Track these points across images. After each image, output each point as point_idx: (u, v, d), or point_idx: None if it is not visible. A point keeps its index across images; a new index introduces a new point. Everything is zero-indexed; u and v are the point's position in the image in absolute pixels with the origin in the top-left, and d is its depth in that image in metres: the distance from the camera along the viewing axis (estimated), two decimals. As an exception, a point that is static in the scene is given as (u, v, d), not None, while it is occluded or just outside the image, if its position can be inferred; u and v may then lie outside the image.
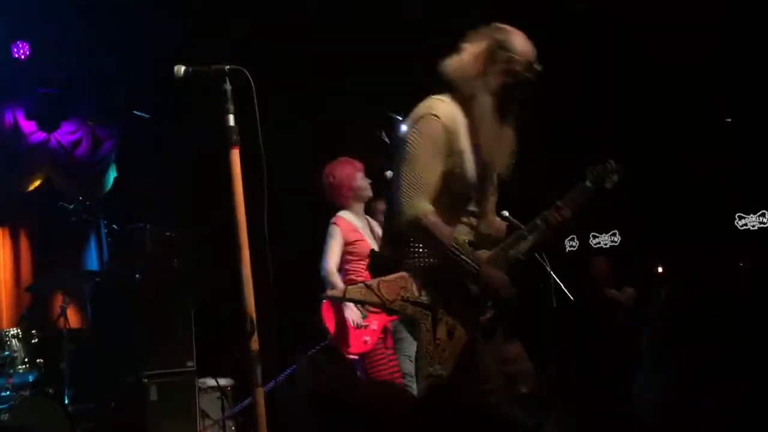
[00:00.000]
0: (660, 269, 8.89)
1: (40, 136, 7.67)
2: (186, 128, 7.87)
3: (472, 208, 3.61)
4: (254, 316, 3.00)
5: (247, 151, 3.11)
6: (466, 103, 3.51)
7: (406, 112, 8.75)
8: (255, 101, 3.08)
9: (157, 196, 8.40)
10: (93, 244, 8.46)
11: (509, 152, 3.61)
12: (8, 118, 7.43)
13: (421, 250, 3.48)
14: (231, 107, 3.13)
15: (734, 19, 8.25)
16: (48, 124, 7.75)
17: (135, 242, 7.14)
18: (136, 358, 6.79)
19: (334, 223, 5.41)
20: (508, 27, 3.56)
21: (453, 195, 3.50)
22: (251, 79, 3.08)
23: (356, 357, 5.25)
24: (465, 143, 3.50)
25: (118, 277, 6.95)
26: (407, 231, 3.44)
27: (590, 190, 3.73)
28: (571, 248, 10.03)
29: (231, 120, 3.13)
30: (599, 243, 10.15)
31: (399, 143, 3.58)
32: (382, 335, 5.21)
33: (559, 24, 7.74)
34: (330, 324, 5.23)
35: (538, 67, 3.54)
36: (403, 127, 3.71)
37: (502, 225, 3.80)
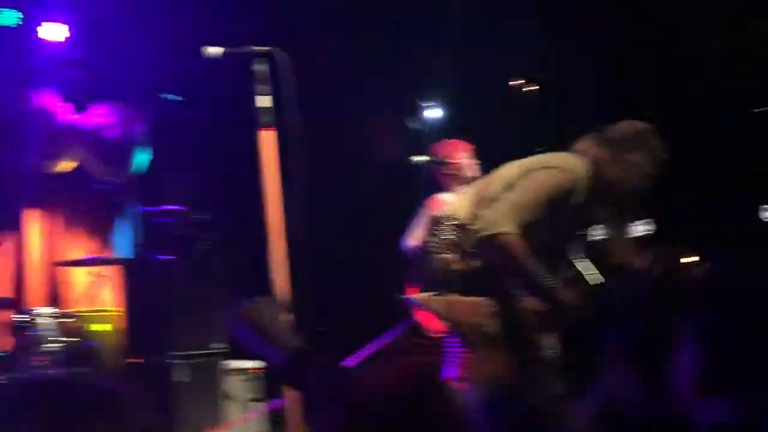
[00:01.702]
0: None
1: (71, 118, 7.72)
2: (218, 110, 7.89)
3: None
4: (287, 298, 3.01)
5: (283, 133, 3.11)
6: (598, 189, 3.69)
7: (432, 99, 8.75)
8: (290, 83, 3.07)
9: (188, 178, 8.44)
10: (123, 225, 8.51)
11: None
12: (39, 101, 7.48)
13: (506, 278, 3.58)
14: (263, 88, 3.14)
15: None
16: (78, 105, 7.80)
17: (166, 224, 7.19)
18: (164, 338, 6.85)
19: (424, 204, 5.43)
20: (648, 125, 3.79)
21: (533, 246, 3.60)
22: (285, 61, 3.09)
23: (440, 336, 5.35)
24: (569, 212, 3.69)
25: (148, 258, 7.00)
26: (486, 244, 3.51)
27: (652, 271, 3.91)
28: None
29: (263, 101, 3.14)
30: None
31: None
32: None
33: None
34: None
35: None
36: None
37: None
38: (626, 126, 3.77)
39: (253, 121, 3.15)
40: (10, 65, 7.06)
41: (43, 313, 6.11)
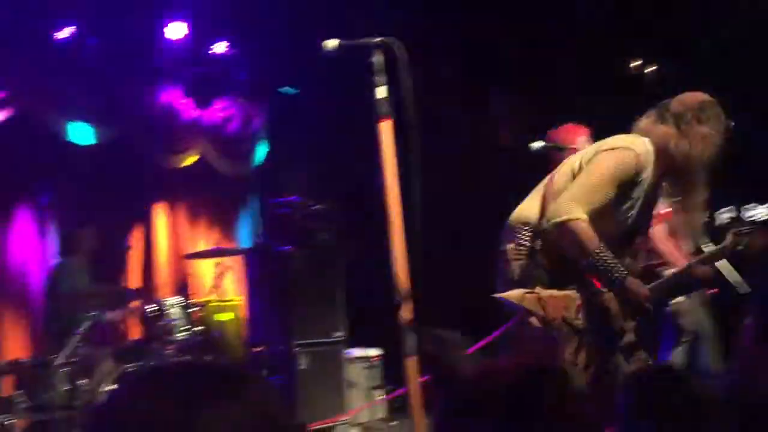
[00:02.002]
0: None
1: (194, 113, 7.95)
2: (335, 102, 7.98)
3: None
4: (406, 285, 3.03)
5: (400, 122, 3.12)
6: (667, 165, 3.60)
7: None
8: (405, 73, 3.08)
9: (305, 169, 8.58)
10: (245, 217, 8.74)
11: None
12: (164, 97, 7.72)
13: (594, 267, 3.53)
14: (381, 79, 3.15)
15: None
16: (201, 101, 8.03)
17: (285, 215, 7.33)
18: (287, 328, 6.99)
19: None
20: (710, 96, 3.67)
21: (605, 229, 3.54)
22: (402, 51, 3.09)
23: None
24: (640, 193, 3.60)
25: (269, 248, 7.15)
26: (554, 232, 3.48)
27: (727, 253, 3.92)
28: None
29: (380, 92, 3.15)
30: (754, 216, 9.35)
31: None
32: None
33: None
34: None
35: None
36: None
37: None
38: (689, 98, 3.64)
39: (371, 112, 3.16)
40: (137, 64, 7.31)
41: (172, 303, 6.32)
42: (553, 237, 3.49)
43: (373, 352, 7.50)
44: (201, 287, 7.62)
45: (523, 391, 1.41)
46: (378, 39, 3.14)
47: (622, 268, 3.47)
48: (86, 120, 7.01)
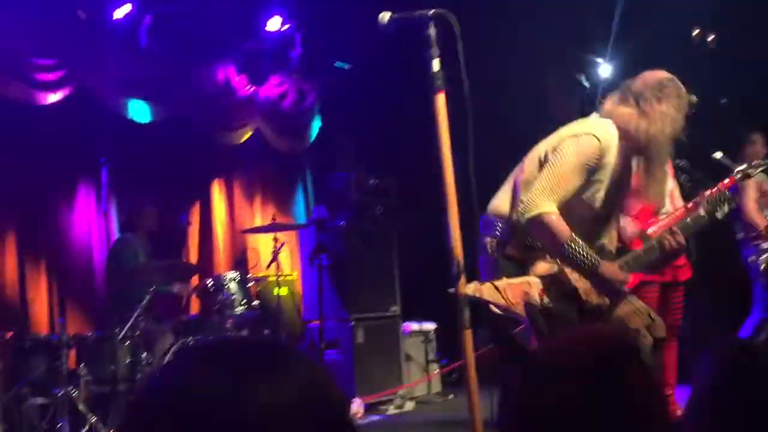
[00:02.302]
0: None
1: (249, 90, 7.99)
2: (387, 76, 7.95)
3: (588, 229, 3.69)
4: (461, 259, 3.03)
5: (451, 97, 3.10)
6: (631, 145, 3.63)
7: (604, 55, 8.41)
8: (460, 46, 3.06)
9: (359, 144, 8.58)
10: (300, 192, 8.78)
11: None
12: (220, 75, 7.76)
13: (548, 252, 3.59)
14: (435, 52, 3.13)
15: None
16: (256, 78, 8.06)
17: (339, 190, 7.35)
18: (343, 302, 7.03)
19: None
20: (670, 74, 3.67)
21: (575, 214, 3.58)
22: (456, 24, 3.07)
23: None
24: (606, 175, 3.62)
25: (324, 223, 7.18)
26: (528, 226, 3.52)
27: (704, 220, 3.84)
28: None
29: (435, 65, 3.13)
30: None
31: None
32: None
33: None
34: None
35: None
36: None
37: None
38: (649, 77, 3.66)
39: (426, 85, 3.14)
40: (192, 42, 7.35)
41: (230, 278, 6.39)
42: (526, 231, 3.55)
43: (430, 326, 7.52)
44: (258, 262, 7.69)
45: (607, 363, 1.38)
46: (432, 11, 3.12)
47: (593, 257, 3.53)
48: (143, 98, 7.08)
